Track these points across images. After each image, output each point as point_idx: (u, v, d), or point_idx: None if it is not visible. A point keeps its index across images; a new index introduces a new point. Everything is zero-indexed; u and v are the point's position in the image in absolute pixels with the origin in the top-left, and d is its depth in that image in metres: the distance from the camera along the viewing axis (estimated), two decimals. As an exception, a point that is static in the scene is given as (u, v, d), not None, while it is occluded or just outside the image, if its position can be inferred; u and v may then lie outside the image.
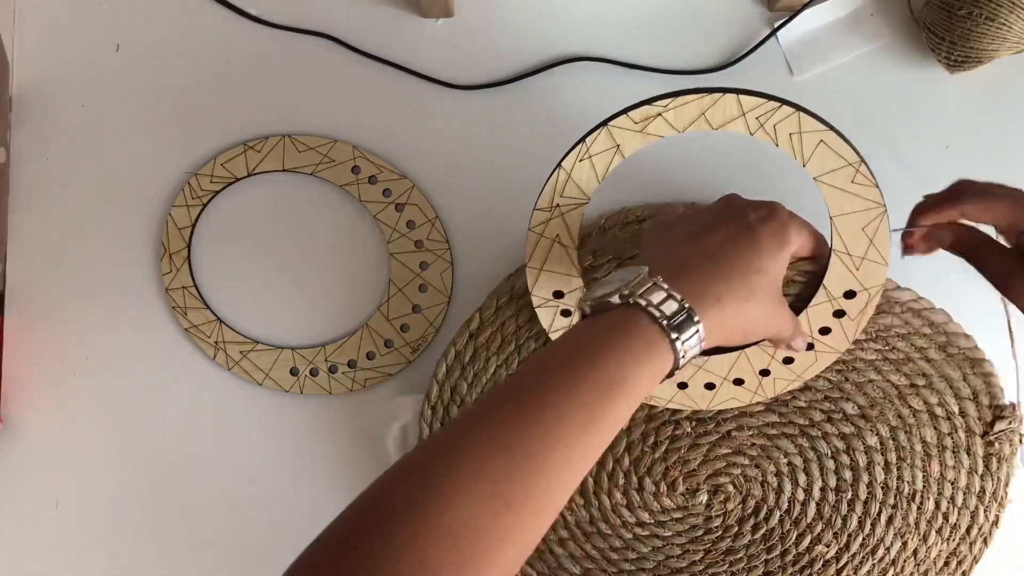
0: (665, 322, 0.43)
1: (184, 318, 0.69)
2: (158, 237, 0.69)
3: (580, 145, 0.52)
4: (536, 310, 0.58)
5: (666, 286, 0.44)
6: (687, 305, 0.43)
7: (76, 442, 0.70)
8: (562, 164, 0.52)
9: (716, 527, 0.62)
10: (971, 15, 0.62)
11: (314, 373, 0.68)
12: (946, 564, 0.62)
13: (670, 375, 0.44)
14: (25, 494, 0.70)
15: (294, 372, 0.69)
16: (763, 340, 0.52)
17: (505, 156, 0.68)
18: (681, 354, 0.43)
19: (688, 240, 0.48)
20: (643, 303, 0.43)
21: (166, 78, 0.69)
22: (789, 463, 0.61)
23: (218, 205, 0.69)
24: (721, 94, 0.49)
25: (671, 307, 0.43)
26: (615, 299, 0.44)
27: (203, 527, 0.70)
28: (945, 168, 0.68)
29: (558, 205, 0.54)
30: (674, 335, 0.43)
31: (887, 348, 0.60)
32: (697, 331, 0.43)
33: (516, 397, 0.40)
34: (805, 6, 0.66)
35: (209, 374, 0.69)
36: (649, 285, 0.44)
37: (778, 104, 0.49)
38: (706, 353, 0.55)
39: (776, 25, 0.67)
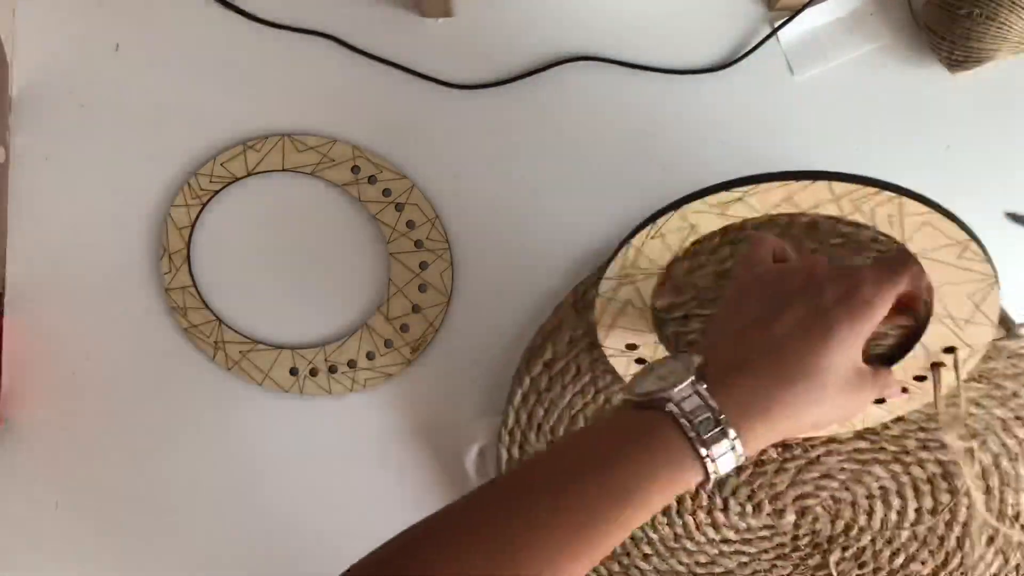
0: (694, 434, 0.40)
1: (184, 318, 0.69)
2: (158, 237, 0.69)
3: (650, 226, 0.48)
4: (609, 359, 0.56)
5: (707, 394, 0.41)
6: (722, 418, 0.40)
7: (76, 442, 0.70)
8: (631, 241, 0.49)
9: (804, 545, 0.60)
10: (971, 15, 0.62)
11: (314, 373, 0.68)
12: None
13: (702, 487, 0.43)
14: (25, 494, 0.70)
15: (294, 372, 0.69)
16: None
17: (505, 156, 0.68)
18: (712, 471, 0.40)
19: (755, 324, 0.44)
20: (676, 411, 0.40)
21: (166, 78, 0.69)
22: (882, 487, 0.58)
23: (218, 205, 0.69)
24: (811, 181, 0.44)
25: (705, 418, 0.40)
26: (656, 395, 0.42)
27: (202, 527, 0.70)
28: (945, 168, 0.68)
29: (628, 275, 0.51)
30: (703, 451, 0.40)
31: (992, 386, 0.57)
32: (733, 447, 0.40)
33: (511, 489, 0.39)
34: (805, 6, 0.66)
35: (209, 374, 0.69)
36: (688, 391, 0.41)
37: (875, 190, 0.44)
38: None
39: (776, 25, 0.67)
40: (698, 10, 0.68)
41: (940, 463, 0.58)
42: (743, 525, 0.60)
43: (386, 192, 0.68)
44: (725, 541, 0.60)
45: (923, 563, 0.59)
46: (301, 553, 0.70)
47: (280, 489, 0.70)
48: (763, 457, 0.58)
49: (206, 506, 0.70)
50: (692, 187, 0.47)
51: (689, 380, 0.41)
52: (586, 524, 0.37)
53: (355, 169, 0.68)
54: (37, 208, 0.70)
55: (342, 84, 0.69)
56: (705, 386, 0.41)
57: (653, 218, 0.48)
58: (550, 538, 0.36)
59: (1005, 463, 0.59)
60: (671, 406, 0.40)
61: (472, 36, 0.69)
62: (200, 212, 0.69)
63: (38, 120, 0.70)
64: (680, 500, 0.59)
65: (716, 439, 0.40)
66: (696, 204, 0.46)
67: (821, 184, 0.44)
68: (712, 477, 0.41)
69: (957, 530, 0.59)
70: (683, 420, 0.40)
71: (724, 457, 0.40)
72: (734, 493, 0.59)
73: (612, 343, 0.55)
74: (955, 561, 0.59)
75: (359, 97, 0.69)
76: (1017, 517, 0.59)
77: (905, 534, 0.59)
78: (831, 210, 0.45)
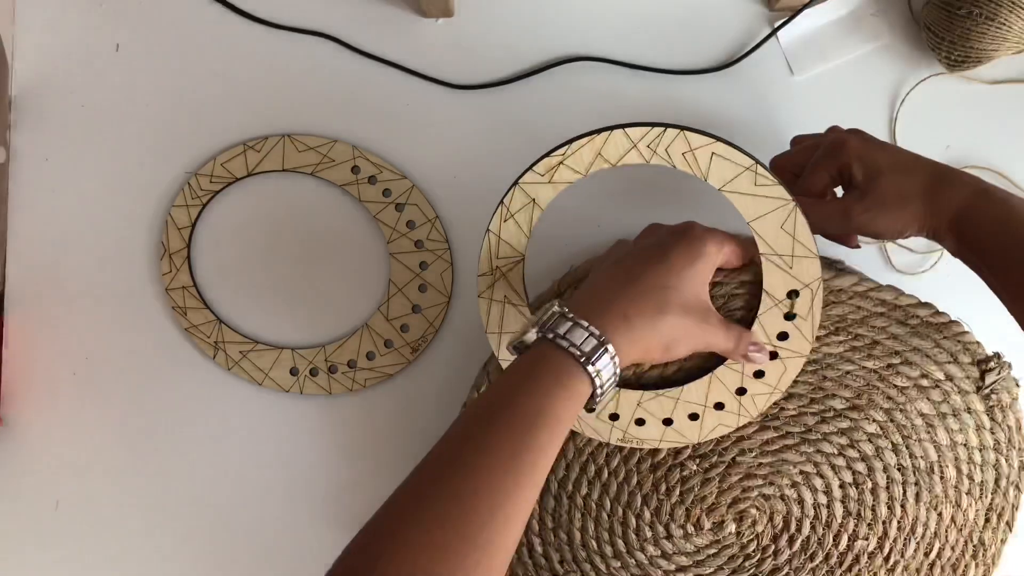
0: (574, 349, 0.46)
1: (184, 318, 0.69)
2: (158, 237, 0.69)
3: (500, 207, 0.54)
4: None
5: (571, 315, 0.47)
6: (593, 330, 0.47)
7: (76, 442, 0.70)
8: (489, 228, 0.55)
9: (753, 551, 0.61)
10: (971, 15, 0.62)
11: (314, 373, 0.68)
12: (987, 520, 0.61)
13: (594, 395, 0.47)
14: (25, 494, 0.70)
15: (294, 372, 0.69)
16: (694, 353, 0.53)
17: (505, 156, 0.68)
18: (594, 375, 0.46)
19: (608, 269, 0.53)
20: (551, 335, 0.47)
21: (166, 78, 0.69)
22: (801, 471, 0.60)
23: (218, 205, 0.69)
24: (608, 131, 0.51)
25: (578, 335, 0.47)
26: (531, 337, 0.48)
27: (202, 527, 0.70)
28: (945, 168, 0.68)
29: (497, 267, 0.56)
30: (583, 360, 0.46)
31: (850, 337, 0.59)
32: (606, 350, 0.47)
33: (443, 449, 0.43)
34: (805, 6, 0.66)
35: (209, 374, 0.69)
36: (557, 317, 0.47)
37: (662, 128, 0.51)
38: (652, 386, 0.56)
39: (776, 25, 0.67)
40: (698, 10, 0.68)
41: (843, 432, 0.59)
42: (690, 547, 0.61)
43: (386, 192, 0.68)
44: (681, 569, 0.61)
45: (865, 538, 0.61)
46: (301, 552, 0.70)
47: (279, 489, 0.70)
48: (685, 474, 0.60)
49: (206, 505, 0.70)
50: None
51: (553, 310, 0.48)
52: (513, 456, 0.42)
53: (355, 169, 0.68)
54: (37, 208, 0.70)
55: (342, 84, 0.69)
56: (568, 310, 0.48)
57: (501, 200, 0.54)
58: (484, 483, 0.41)
59: (898, 415, 0.59)
60: (545, 333, 0.47)
61: (472, 36, 0.69)
62: (200, 212, 0.69)
63: (38, 120, 0.70)
64: (626, 540, 0.61)
65: (594, 349, 0.46)
66: (528, 175, 0.53)
67: (618, 133, 0.51)
68: (596, 382, 0.46)
69: (883, 497, 0.60)
70: (558, 340, 0.46)
71: (602, 360, 0.46)
72: (672, 517, 0.60)
73: (506, 353, 0.57)
74: (894, 529, 0.60)
75: (359, 97, 0.69)
76: (932, 468, 0.60)
77: (839, 512, 0.60)
78: (636, 159, 0.52)
